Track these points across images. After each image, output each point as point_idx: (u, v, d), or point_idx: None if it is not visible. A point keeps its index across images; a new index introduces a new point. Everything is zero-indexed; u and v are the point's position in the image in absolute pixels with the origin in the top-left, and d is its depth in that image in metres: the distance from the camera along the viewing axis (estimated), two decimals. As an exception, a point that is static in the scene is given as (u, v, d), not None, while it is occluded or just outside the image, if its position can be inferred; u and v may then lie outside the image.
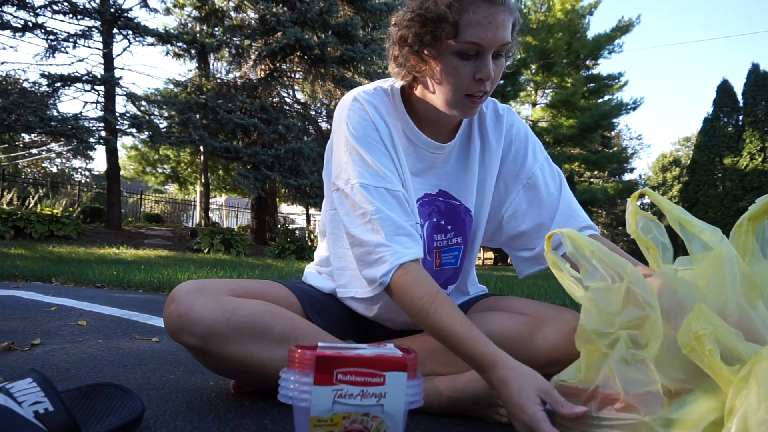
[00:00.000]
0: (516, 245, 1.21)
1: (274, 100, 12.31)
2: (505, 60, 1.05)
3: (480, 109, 1.17)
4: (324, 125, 13.24)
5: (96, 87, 11.09)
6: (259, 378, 1.02)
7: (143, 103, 12.12)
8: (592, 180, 26.82)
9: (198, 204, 18.06)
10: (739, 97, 17.27)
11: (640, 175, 33.24)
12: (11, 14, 10.21)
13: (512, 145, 1.20)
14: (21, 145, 15.34)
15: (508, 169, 1.20)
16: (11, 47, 20.12)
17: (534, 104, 23.00)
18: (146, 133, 11.29)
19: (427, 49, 1.00)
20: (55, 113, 10.51)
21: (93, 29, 11.09)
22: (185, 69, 26.73)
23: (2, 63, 18.87)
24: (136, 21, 10.97)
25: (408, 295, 0.95)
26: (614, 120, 21.66)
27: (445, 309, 0.92)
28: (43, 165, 22.21)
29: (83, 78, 10.72)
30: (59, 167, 24.19)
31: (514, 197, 1.19)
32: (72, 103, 69.47)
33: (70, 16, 10.70)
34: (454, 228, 1.17)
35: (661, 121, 72.64)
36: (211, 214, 18.14)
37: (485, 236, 1.24)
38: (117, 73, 11.39)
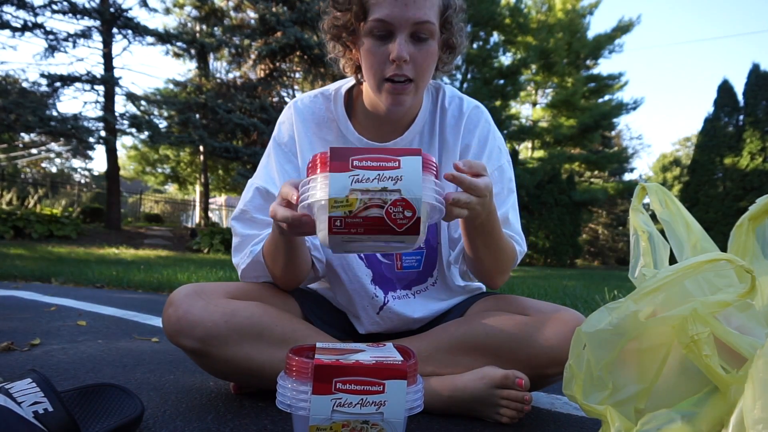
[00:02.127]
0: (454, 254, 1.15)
1: (273, 99, 12.32)
2: (449, 49, 1.02)
3: (442, 104, 1.14)
4: (324, 125, 13.23)
5: (95, 87, 11.11)
6: (258, 380, 1.02)
7: (143, 102, 12.14)
8: (592, 180, 26.80)
9: (197, 204, 18.06)
10: (740, 97, 17.27)
11: (640, 175, 33.28)
12: (11, 14, 10.22)
13: (470, 147, 1.12)
14: (21, 145, 15.34)
15: None
16: (11, 47, 20.16)
17: (534, 104, 23.00)
18: (146, 132, 11.30)
19: (344, 34, 1.01)
20: (55, 113, 10.53)
21: (93, 29, 11.10)
22: (185, 69, 26.74)
23: (2, 63, 18.88)
24: (135, 21, 10.99)
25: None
26: (614, 120, 21.66)
27: None
28: (43, 165, 22.20)
29: (83, 78, 10.74)
30: (59, 167, 24.19)
31: None
32: (72, 102, 69.51)
33: (70, 15, 10.70)
34: None
35: (661, 121, 72.70)
36: (210, 214, 18.14)
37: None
38: (116, 73, 11.41)
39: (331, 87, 1.15)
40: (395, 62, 0.95)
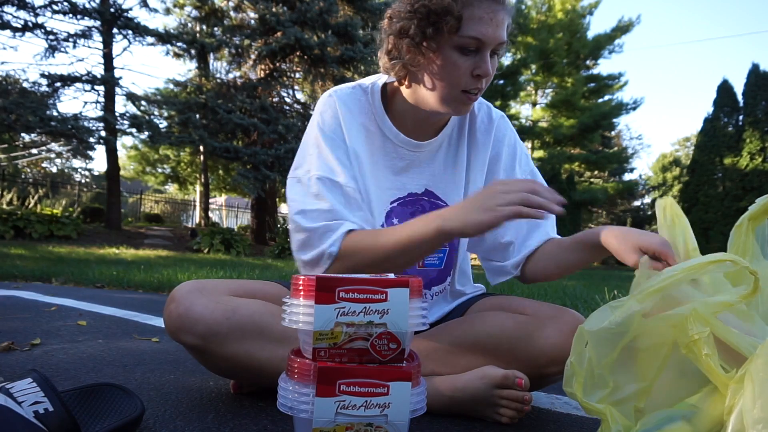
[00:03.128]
0: (491, 255, 1.21)
1: (274, 100, 12.32)
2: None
3: (471, 109, 1.16)
4: (324, 125, 13.21)
5: (96, 87, 11.10)
6: (259, 378, 1.02)
7: (143, 102, 12.13)
8: (592, 180, 26.80)
9: (198, 204, 18.05)
10: (740, 97, 17.27)
11: (640, 175, 33.23)
12: (11, 14, 10.22)
13: (501, 155, 1.19)
14: (21, 145, 15.35)
15: (495, 179, 1.18)
16: (11, 47, 20.19)
17: (534, 104, 22.99)
18: (146, 133, 11.30)
19: (427, 41, 0.99)
20: (55, 113, 10.53)
21: (93, 29, 11.10)
22: (185, 69, 26.74)
23: (2, 63, 18.88)
24: (135, 21, 10.99)
25: (359, 241, 0.98)
26: (614, 120, 21.66)
27: (393, 227, 1.00)
28: (43, 165, 22.21)
29: (83, 78, 10.73)
30: (59, 167, 24.20)
31: None
32: (72, 103, 69.56)
33: (70, 16, 10.70)
34: None
35: (661, 121, 72.65)
36: (210, 214, 18.13)
37: (469, 242, 1.22)
38: (117, 73, 11.40)
39: (366, 81, 1.15)
40: (479, 77, 0.99)
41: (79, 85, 10.98)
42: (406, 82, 1.07)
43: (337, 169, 1.05)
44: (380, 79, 1.15)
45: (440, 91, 1.03)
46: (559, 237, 1.17)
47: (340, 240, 0.98)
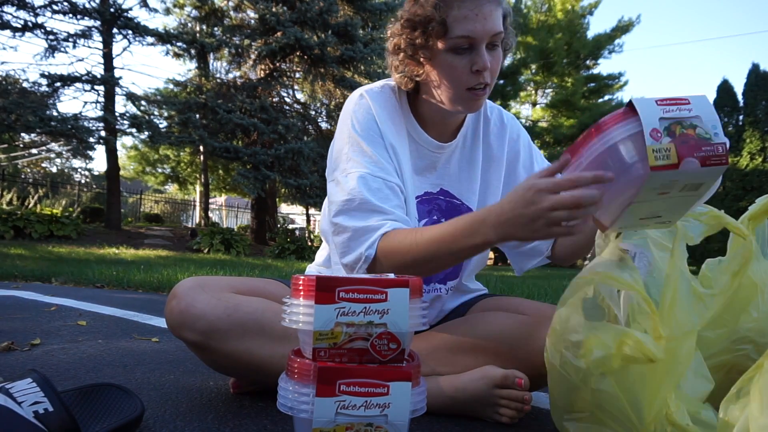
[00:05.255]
0: (518, 246, 1.26)
1: (273, 100, 12.31)
2: (503, 51, 1.07)
3: (484, 113, 1.21)
4: (324, 125, 13.22)
5: (96, 87, 11.09)
6: (259, 375, 1.02)
7: (143, 102, 12.12)
8: (592, 180, 26.80)
9: (198, 204, 18.05)
10: (739, 97, 17.27)
11: (640, 175, 33.23)
12: (11, 14, 10.21)
13: (519, 156, 1.24)
14: (21, 145, 15.34)
15: (519, 180, 1.23)
16: (11, 47, 20.18)
17: (534, 104, 22.98)
18: (146, 133, 11.29)
19: (420, 52, 1.03)
20: (55, 113, 10.51)
21: (93, 29, 11.09)
22: (185, 69, 26.71)
23: (2, 63, 18.89)
24: (135, 21, 10.98)
25: (396, 243, 0.95)
26: (614, 120, 21.65)
27: (430, 227, 0.95)
28: (43, 165, 22.19)
29: (83, 78, 10.72)
30: (59, 167, 24.18)
31: None
32: (72, 103, 69.61)
33: (70, 16, 10.69)
34: None
35: (661, 121, 72.57)
36: (210, 214, 18.13)
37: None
38: (117, 73, 11.39)
39: (392, 81, 1.17)
40: (479, 72, 1.01)
41: (79, 85, 10.96)
42: (420, 91, 1.11)
43: (379, 164, 1.04)
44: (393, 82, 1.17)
45: (447, 94, 1.05)
46: None
47: (377, 242, 0.97)
